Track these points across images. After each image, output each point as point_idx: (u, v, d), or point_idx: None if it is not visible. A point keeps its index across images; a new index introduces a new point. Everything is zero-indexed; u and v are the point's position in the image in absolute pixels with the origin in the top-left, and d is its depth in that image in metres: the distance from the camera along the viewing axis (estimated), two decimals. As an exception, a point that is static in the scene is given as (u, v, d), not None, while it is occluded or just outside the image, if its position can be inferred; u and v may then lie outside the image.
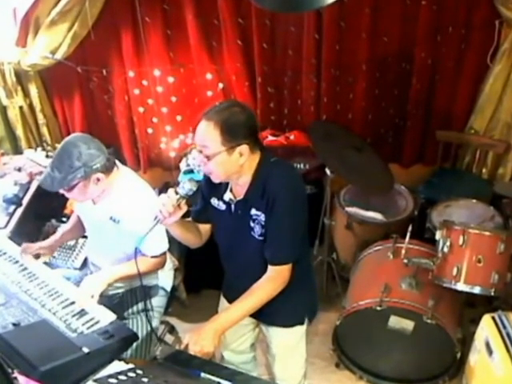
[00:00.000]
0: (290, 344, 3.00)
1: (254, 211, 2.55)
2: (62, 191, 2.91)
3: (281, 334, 2.94)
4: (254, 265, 2.67)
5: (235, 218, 2.63)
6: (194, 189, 2.48)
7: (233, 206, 2.62)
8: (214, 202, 2.70)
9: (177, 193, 2.45)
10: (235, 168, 2.46)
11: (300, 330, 2.95)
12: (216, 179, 2.52)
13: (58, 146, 2.92)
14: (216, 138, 2.36)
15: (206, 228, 2.83)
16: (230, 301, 2.79)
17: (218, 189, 2.65)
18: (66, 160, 2.80)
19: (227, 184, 2.62)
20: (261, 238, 2.58)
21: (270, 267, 2.60)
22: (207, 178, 2.59)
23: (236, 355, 3.19)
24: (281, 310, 2.72)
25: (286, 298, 2.64)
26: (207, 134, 2.38)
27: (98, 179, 2.89)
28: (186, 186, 2.46)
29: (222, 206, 2.67)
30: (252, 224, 2.58)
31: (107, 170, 2.93)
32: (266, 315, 2.76)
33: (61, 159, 2.82)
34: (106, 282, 2.96)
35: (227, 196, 2.62)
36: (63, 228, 3.55)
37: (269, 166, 2.53)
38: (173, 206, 2.43)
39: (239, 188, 2.59)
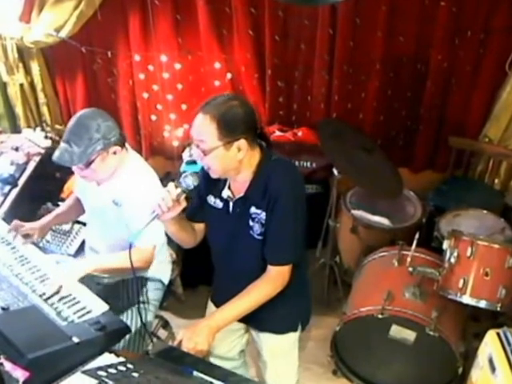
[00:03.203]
0: (282, 351, 2.97)
1: (253, 209, 2.53)
2: (76, 169, 2.90)
3: (272, 341, 2.91)
4: (250, 267, 2.65)
5: (233, 216, 2.61)
6: (196, 183, 2.45)
7: (231, 204, 2.60)
8: (211, 199, 2.67)
9: (177, 187, 2.42)
10: (234, 163, 2.44)
11: (293, 337, 2.93)
12: (214, 175, 2.50)
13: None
14: (212, 133, 2.33)
15: (200, 228, 2.80)
16: (219, 306, 2.75)
17: (216, 186, 2.62)
18: (85, 133, 2.79)
19: (225, 181, 2.59)
20: (260, 238, 2.56)
21: (269, 267, 2.58)
22: (205, 175, 2.56)
23: (224, 361, 3.10)
24: (274, 315, 2.69)
25: (280, 302, 2.61)
26: (203, 128, 2.36)
27: (115, 152, 2.90)
28: (188, 180, 2.43)
29: (219, 204, 2.64)
30: (251, 223, 2.55)
31: (122, 143, 2.95)
32: (257, 320, 2.73)
33: (78, 133, 2.82)
34: (85, 270, 2.93)
35: (225, 193, 2.59)
36: (57, 210, 3.52)
37: (271, 164, 2.52)
38: (172, 201, 2.40)
39: (238, 185, 2.56)
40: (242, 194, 2.55)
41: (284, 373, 3.06)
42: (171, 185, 2.43)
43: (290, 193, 2.48)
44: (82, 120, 2.85)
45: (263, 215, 2.51)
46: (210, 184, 2.62)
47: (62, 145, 2.86)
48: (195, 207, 2.75)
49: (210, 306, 3.03)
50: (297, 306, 2.83)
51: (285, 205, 2.46)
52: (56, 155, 2.88)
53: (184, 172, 2.51)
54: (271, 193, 2.45)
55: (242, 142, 2.38)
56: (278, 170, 2.51)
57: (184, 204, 2.46)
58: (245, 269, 2.67)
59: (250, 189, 2.52)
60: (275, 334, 2.88)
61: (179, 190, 2.41)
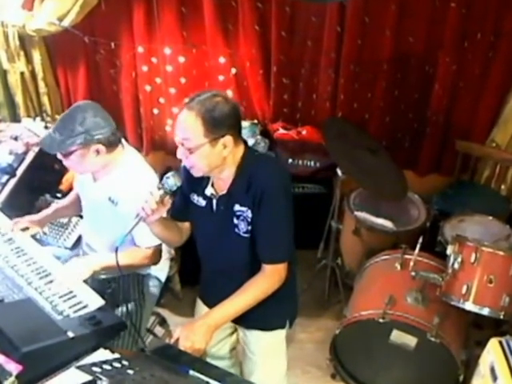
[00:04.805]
0: (270, 349, 2.98)
1: (237, 207, 2.53)
2: (59, 156, 2.90)
3: (261, 338, 2.92)
4: (237, 265, 2.66)
5: (217, 214, 2.61)
6: (179, 184, 2.46)
7: (214, 202, 2.60)
8: (194, 197, 2.68)
9: (160, 188, 2.43)
10: (219, 161, 2.44)
11: (281, 335, 2.94)
12: (198, 173, 2.50)
13: (58, 116, 2.91)
14: (198, 129, 2.34)
15: (186, 226, 2.82)
16: (210, 306, 2.77)
17: (199, 184, 2.62)
18: (69, 123, 2.80)
19: (208, 178, 2.59)
20: (246, 236, 2.56)
21: (264, 266, 2.58)
22: (187, 173, 2.56)
23: (216, 361, 3.10)
24: (262, 311, 2.67)
25: (268, 298, 2.61)
26: (189, 125, 2.36)
27: (98, 151, 2.88)
28: (170, 181, 2.44)
29: (202, 203, 2.65)
30: (236, 221, 2.56)
31: (110, 144, 2.92)
32: (245, 317, 2.69)
33: (64, 122, 2.84)
34: (93, 269, 2.95)
35: (208, 191, 2.59)
36: (58, 204, 3.53)
37: (254, 160, 2.54)
38: (156, 203, 2.40)
39: (221, 182, 2.57)
40: (225, 192, 2.56)
41: (272, 373, 3.04)
42: (154, 187, 2.45)
43: (279, 189, 2.50)
44: (72, 110, 2.87)
45: (249, 213, 2.51)
46: (192, 182, 2.62)
47: (50, 130, 2.90)
48: (179, 206, 2.75)
49: (199, 303, 3.04)
50: (285, 303, 2.83)
51: (275, 202, 2.47)
52: (40, 138, 2.92)
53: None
54: (256, 189, 2.46)
55: (228, 139, 2.40)
56: (262, 165, 2.54)
57: (168, 205, 2.48)
58: (233, 267, 2.69)
59: (234, 185, 2.53)
60: (263, 332, 2.88)
61: (162, 192, 2.43)
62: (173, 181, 2.43)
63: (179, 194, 2.71)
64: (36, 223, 3.29)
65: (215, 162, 2.43)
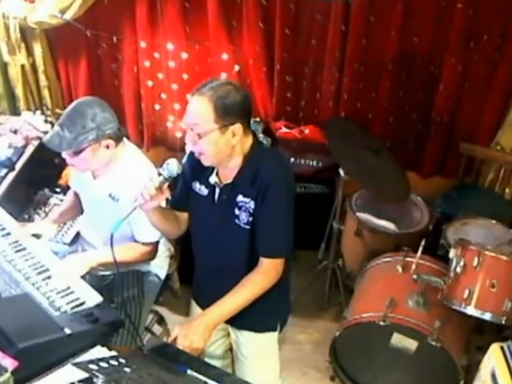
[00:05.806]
0: (261, 351, 2.97)
1: (240, 197, 2.54)
2: (65, 155, 2.89)
3: (252, 340, 2.91)
4: (234, 261, 2.66)
5: (218, 204, 2.61)
6: (179, 171, 2.44)
7: (217, 191, 2.60)
8: (196, 186, 2.67)
9: (160, 175, 2.41)
10: (227, 149, 2.44)
11: (272, 337, 2.94)
12: (207, 161, 2.49)
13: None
14: (209, 115, 2.35)
15: (184, 217, 2.80)
16: (203, 307, 2.76)
17: (203, 172, 2.62)
18: (79, 120, 2.78)
19: (213, 167, 2.58)
20: (247, 227, 2.56)
21: (262, 260, 2.58)
22: (191, 161, 2.58)
23: (214, 360, 3.10)
24: (254, 312, 2.67)
25: (260, 299, 2.60)
26: (199, 110, 2.36)
27: (108, 146, 2.88)
28: (170, 167, 2.41)
29: (204, 191, 2.65)
30: (237, 211, 2.56)
31: (117, 139, 2.93)
32: (237, 318, 2.67)
33: (73, 118, 2.81)
34: (89, 265, 2.94)
35: (213, 179, 2.59)
36: (61, 207, 3.54)
37: (262, 153, 2.56)
38: (155, 189, 2.38)
39: (227, 171, 2.57)
40: (229, 181, 2.56)
41: (264, 377, 3.03)
42: (154, 173, 2.43)
43: (284, 184, 2.51)
44: (79, 106, 2.85)
45: (251, 204, 2.51)
46: (196, 170, 2.62)
47: (55, 128, 2.86)
48: (179, 195, 2.76)
49: (193, 305, 3.03)
50: (277, 305, 2.83)
51: (278, 195, 2.48)
52: (46, 138, 2.89)
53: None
54: (262, 181, 2.47)
55: (238, 127, 2.41)
56: (269, 158, 2.55)
57: (167, 193, 2.46)
58: (230, 259, 2.69)
59: (239, 175, 2.53)
60: (254, 333, 2.88)
61: (162, 178, 2.40)
62: (173, 167, 2.41)
63: (180, 182, 2.72)
64: (44, 230, 3.31)
65: (224, 149, 2.44)
